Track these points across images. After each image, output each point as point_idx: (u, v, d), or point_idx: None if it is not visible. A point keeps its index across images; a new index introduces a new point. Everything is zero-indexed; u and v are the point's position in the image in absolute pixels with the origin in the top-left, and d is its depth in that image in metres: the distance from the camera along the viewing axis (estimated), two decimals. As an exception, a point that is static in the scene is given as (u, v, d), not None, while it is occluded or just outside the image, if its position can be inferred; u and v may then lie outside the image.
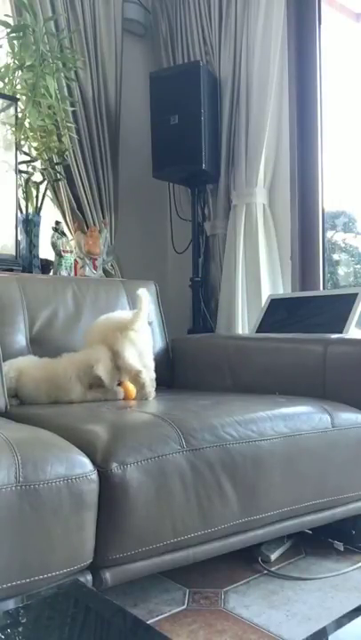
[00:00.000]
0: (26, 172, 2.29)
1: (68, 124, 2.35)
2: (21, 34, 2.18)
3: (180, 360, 2.11)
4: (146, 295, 1.67)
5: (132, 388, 1.67)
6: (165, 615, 1.28)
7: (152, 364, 1.73)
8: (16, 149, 2.15)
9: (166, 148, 2.55)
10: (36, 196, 2.31)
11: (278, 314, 2.29)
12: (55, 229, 2.33)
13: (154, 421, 1.25)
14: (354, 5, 2.73)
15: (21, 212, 2.25)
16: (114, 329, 1.65)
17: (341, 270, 2.80)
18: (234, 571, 1.49)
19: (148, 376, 1.66)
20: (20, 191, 2.24)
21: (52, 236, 2.31)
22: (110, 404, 1.54)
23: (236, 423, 1.31)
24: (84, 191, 2.58)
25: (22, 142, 2.23)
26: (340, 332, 1.98)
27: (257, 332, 2.30)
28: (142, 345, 1.68)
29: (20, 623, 0.71)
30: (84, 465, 1.07)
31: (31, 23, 2.24)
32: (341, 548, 1.62)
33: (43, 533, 1.00)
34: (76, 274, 2.37)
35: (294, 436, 1.38)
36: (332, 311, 2.11)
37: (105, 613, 0.73)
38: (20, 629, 0.69)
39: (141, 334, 1.68)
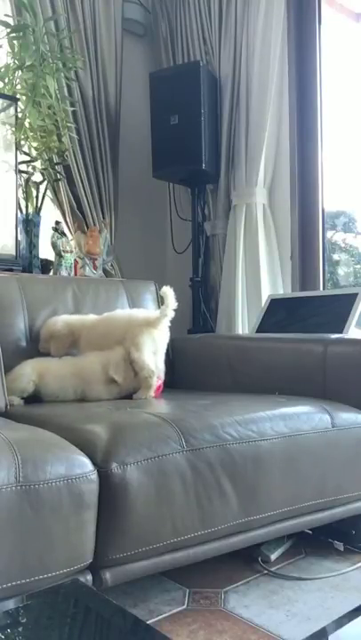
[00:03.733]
0: (26, 172, 2.29)
1: (68, 124, 2.35)
2: (21, 34, 2.18)
3: (180, 360, 2.11)
4: (171, 293, 1.68)
5: None
6: (165, 615, 1.28)
7: (163, 366, 1.75)
8: (16, 149, 2.15)
9: (166, 148, 2.55)
10: (36, 196, 2.31)
11: (278, 314, 2.29)
12: (55, 229, 2.33)
13: (154, 421, 1.25)
14: (354, 5, 2.73)
15: (21, 211, 2.25)
16: (139, 324, 1.69)
17: (341, 270, 2.80)
18: (234, 571, 1.49)
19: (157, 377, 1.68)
20: (20, 191, 2.24)
21: (52, 236, 2.31)
22: (111, 403, 1.54)
23: (236, 423, 1.31)
24: (84, 191, 2.58)
25: (22, 142, 2.23)
26: (341, 332, 1.98)
27: (257, 331, 2.30)
28: (159, 344, 1.71)
29: (20, 623, 0.71)
30: (84, 465, 1.07)
31: (31, 23, 2.24)
32: (341, 548, 1.62)
33: (43, 533, 1.00)
34: (76, 274, 2.37)
35: (294, 435, 1.38)
36: (332, 311, 2.11)
37: (105, 613, 0.73)
38: (20, 629, 0.69)
39: (162, 333, 1.71)
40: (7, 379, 1.61)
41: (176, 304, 1.69)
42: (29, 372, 1.64)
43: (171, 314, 1.69)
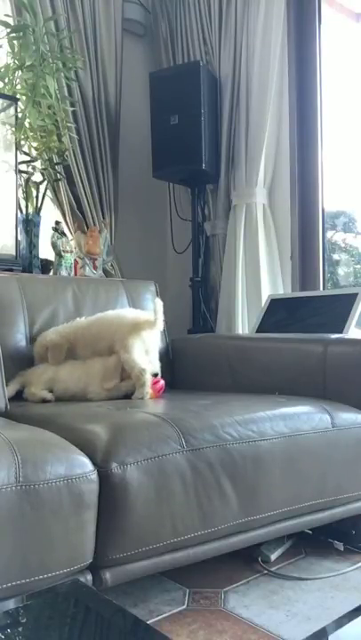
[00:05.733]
0: (26, 172, 2.29)
1: (68, 124, 2.35)
2: (21, 34, 2.18)
3: (180, 360, 2.11)
4: (161, 306, 1.74)
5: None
6: (165, 615, 1.28)
7: (158, 363, 1.78)
8: (16, 149, 2.15)
9: (166, 148, 2.55)
10: (36, 196, 2.31)
11: (278, 314, 2.29)
12: (55, 229, 2.33)
13: (154, 421, 1.25)
14: (354, 5, 2.73)
15: (21, 211, 2.25)
16: (127, 326, 1.73)
17: (341, 270, 2.80)
18: (234, 571, 1.49)
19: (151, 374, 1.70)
20: (20, 191, 2.24)
21: (52, 236, 2.31)
22: (111, 403, 1.54)
23: (236, 423, 1.31)
24: (84, 191, 2.58)
25: (22, 142, 2.23)
26: (341, 332, 1.98)
27: (257, 331, 2.30)
28: (150, 343, 1.75)
29: (20, 623, 0.71)
30: (84, 465, 1.07)
31: (31, 23, 2.24)
32: (341, 548, 1.62)
33: (43, 533, 1.00)
34: (76, 274, 2.37)
35: (294, 435, 1.38)
36: (333, 311, 2.11)
37: (105, 613, 0.73)
38: (20, 629, 0.69)
39: (151, 333, 1.76)
40: (31, 374, 1.72)
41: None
42: (54, 368, 1.73)
43: (159, 324, 1.74)
